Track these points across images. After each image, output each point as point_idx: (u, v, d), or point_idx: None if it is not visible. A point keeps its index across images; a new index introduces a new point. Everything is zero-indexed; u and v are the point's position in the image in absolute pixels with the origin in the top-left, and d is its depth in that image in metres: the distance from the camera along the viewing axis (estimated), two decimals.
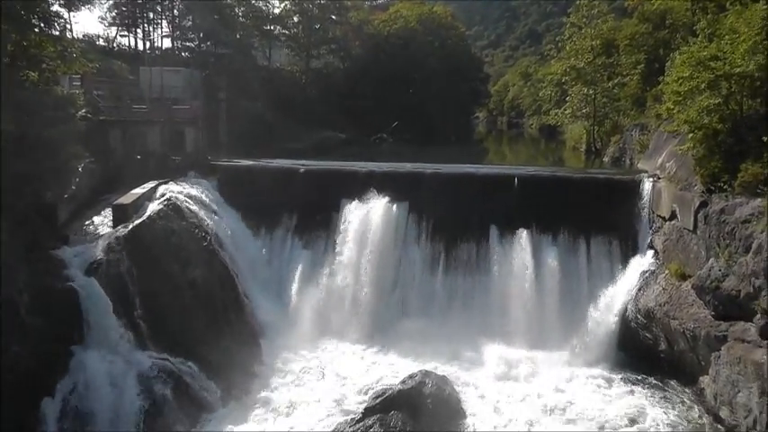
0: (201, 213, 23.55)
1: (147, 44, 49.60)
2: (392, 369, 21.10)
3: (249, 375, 20.13)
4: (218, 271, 22.22)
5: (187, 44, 54.44)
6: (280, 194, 25.93)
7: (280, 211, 25.91)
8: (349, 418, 17.64)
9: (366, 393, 19.32)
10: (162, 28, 53.62)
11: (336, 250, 24.64)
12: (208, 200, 24.71)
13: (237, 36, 54.86)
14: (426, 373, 19.23)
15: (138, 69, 36.99)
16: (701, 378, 19.03)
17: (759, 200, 17.02)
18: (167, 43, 54.36)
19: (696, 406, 18.84)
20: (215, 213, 24.40)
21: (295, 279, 24.38)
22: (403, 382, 18.85)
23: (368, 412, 17.52)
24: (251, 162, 28.80)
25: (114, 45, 52.16)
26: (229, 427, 17.69)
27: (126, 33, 54.25)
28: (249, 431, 17.66)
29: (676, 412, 18.77)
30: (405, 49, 66.08)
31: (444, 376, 19.66)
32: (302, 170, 27.05)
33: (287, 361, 21.40)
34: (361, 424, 17.00)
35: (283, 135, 42.25)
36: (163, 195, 22.93)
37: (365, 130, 53.14)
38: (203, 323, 20.16)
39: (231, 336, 20.83)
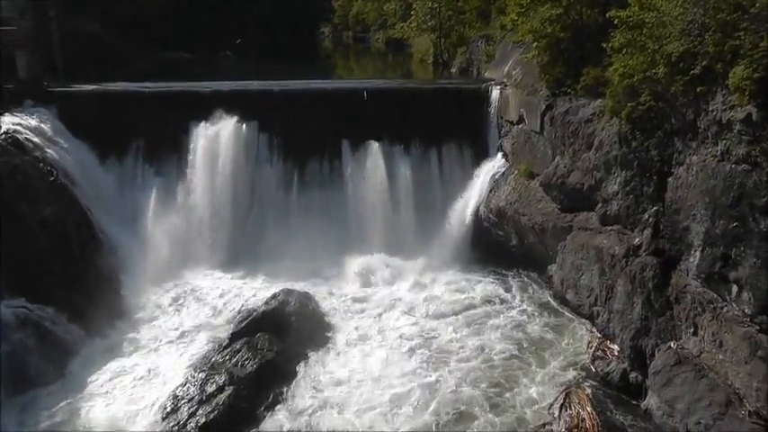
0: (45, 146, 21.64)
1: None
2: (256, 291, 21.09)
3: (112, 313, 19.28)
4: (69, 207, 20.80)
5: None
6: (126, 120, 24.20)
7: (127, 139, 24.31)
8: (216, 345, 17.56)
9: (232, 318, 19.27)
10: None
11: (188, 175, 23.76)
12: (50, 131, 22.55)
13: None
14: (288, 292, 19.48)
15: None
16: (549, 267, 20.90)
17: (600, 100, 18.39)
18: None
19: (545, 291, 20.78)
20: (59, 145, 22.41)
21: (150, 208, 23.24)
22: (266, 302, 19.02)
23: (234, 337, 17.57)
24: (92, 87, 26.36)
25: None
26: (95, 367, 17.01)
27: None
28: (115, 369, 17.07)
29: (527, 296, 20.63)
30: None
31: (307, 292, 20.01)
32: (147, 93, 25.52)
33: (149, 294, 20.77)
34: (228, 349, 17.01)
35: (124, 56, 38.89)
36: None
37: (209, 48, 50.50)
38: (60, 264, 18.98)
39: (90, 274, 19.75)
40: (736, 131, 12.99)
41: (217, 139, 23.70)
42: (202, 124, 23.90)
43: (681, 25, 14.58)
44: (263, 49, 54.05)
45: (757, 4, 13.33)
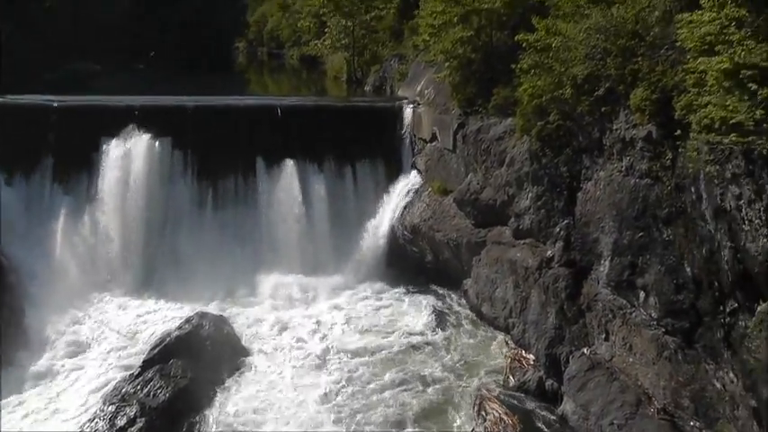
0: None
1: None
2: (170, 315, 20.35)
3: (14, 345, 18.04)
4: None
5: None
6: (33, 135, 23.01)
7: (34, 155, 23.03)
8: (127, 374, 16.80)
9: (144, 345, 18.47)
10: None
11: (99, 194, 22.80)
12: None
13: None
14: (203, 315, 18.94)
15: None
16: (464, 281, 21.29)
17: (510, 119, 19.16)
18: None
19: (461, 305, 21.13)
20: None
21: (58, 230, 22.13)
22: (180, 327, 18.36)
23: (146, 365, 16.83)
24: None
25: None
26: None
27: None
28: (16, 407, 15.99)
29: (444, 312, 20.75)
30: None
31: (221, 315, 19.52)
32: (55, 107, 24.18)
33: (56, 323, 19.56)
34: (140, 378, 16.29)
35: (29, 66, 36.84)
36: None
37: (121, 60, 48.95)
38: None
39: None
40: (638, 148, 13.95)
41: (129, 156, 22.84)
42: (114, 140, 23.00)
43: (585, 50, 15.50)
44: (177, 63, 53.05)
45: (651, 33, 14.42)
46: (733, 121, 10.65)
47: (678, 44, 12.92)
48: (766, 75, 10.30)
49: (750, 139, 10.52)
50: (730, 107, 10.74)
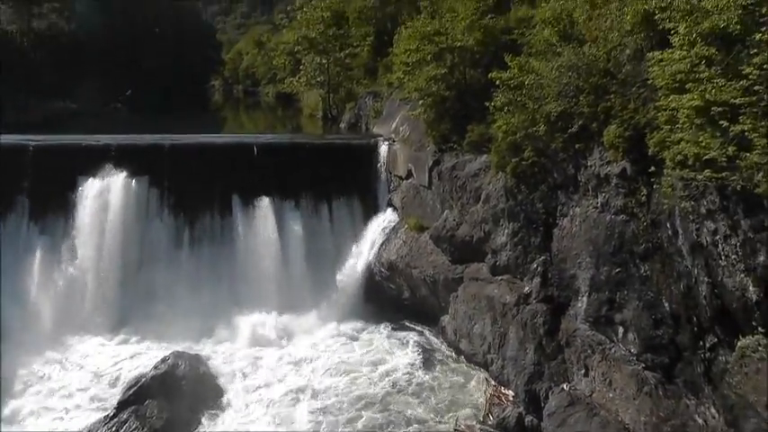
0: None
1: None
2: (146, 355, 19.99)
3: None
4: None
5: None
6: (9, 176, 22.79)
7: (10, 195, 22.90)
8: (102, 416, 16.46)
9: (120, 386, 18.12)
10: None
11: (75, 233, 22.61)
12: None
13: None
14: (179, 355, 18.73)
15: None
16: (442, 318, 21.18)
17: (485, 156, 19.31)
18: None
19: (439, 342, 20.95)
20: None
21: (33, 270, 21.86)
22: (155, 367, 18.17)
23: (121, 406, 16.60)
24: None
25: None
26: None
27: None
28: None
29: (422, 349, 20.45)
30: (130, 13, 61.16)
31: (197, 355, 19.30)
32: (32, 147, 24.03)
33: (30, 365, 19.18)
34: (115, 420, 16.10)
35: (5, 107, 36.49)
36: None
37: (98, 99, 48.83)
38: None
39: None
40: (613, 184, 14.11)
41: (105, 195, 22.73)
42: (91, 180, 22.89)
43: (557, 87, 15.71)
44: (153, 101, 53.18)
45: (623, 71, 14.71)
46: (706, 157, 10.85)
47: (650, 82, 13.19)
48: (737, 112, 10.52)
49: (724, 174, 10.70)
50: (703, 143, 10.95)
